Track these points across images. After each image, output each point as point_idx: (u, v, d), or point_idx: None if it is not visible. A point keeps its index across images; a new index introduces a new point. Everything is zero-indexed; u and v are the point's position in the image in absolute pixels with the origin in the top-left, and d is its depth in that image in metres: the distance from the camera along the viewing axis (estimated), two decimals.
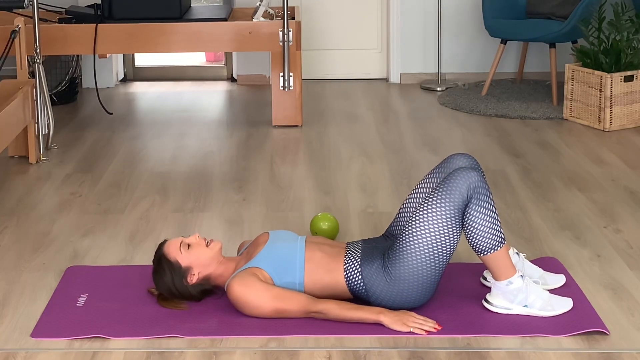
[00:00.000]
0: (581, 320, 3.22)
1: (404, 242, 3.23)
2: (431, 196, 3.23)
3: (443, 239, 3.20)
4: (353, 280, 3.28)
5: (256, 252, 3.37)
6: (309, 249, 3.34)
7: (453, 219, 3.20)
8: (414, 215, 3.24)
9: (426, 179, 3.51)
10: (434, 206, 3.21)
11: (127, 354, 3.07)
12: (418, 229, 3.21)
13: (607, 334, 3.16)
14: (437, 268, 3.23)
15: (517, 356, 3.04)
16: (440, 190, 3.22)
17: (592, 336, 3.15)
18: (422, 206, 3.24)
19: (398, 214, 3.51)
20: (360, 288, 3.27)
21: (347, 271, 3.28)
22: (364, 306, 3.23)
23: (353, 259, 3.30)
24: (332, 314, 3.21)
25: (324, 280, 3.29)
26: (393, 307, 3.25)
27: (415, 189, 3.52)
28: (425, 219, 3.21)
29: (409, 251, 3.21)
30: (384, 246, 3.38)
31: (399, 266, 3.22)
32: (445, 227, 3.20)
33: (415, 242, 3.21)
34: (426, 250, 3.20)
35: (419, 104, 6.53)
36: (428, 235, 3.20)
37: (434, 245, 3.20)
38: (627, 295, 3.47)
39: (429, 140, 5.60)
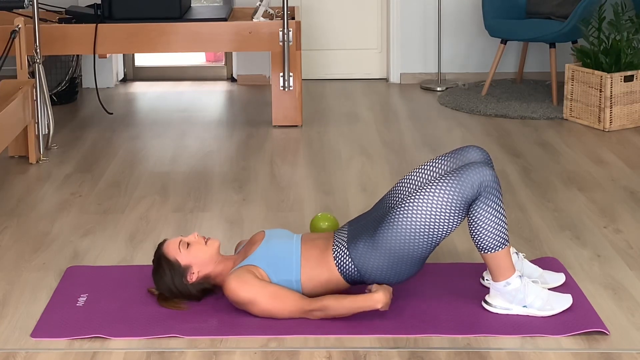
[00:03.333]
0: (581, 320, 3.22)
1: (400, 213, 3.23)
2: (441, 179, 3.23)
3: (440, 222, 3.21)
4: (345, 266, 3.28)
5: (252, 250, 3.38)
6: (304, 246, 3.35)
7: (456, 207, 3.21)
8: (417, 191, 3.24)
9: (434, 162, 3.47)
10: (442, 190, 3.21)
11: (127, 354, 3.07)
12: (419, 205, 3.22)
13: (607, 334, 3.16)
14: (426, 247, 3.25)
15: (517, 356, 3.04)
16: (452, 177, 3.22)
17: (592, 336, 3.15)
18: (428, 185, 3.24)
19: (395, 187, 3.48)
20: (353, 272, 3.28)
21: (337, 259, 3.29)
22: (358, 295, 3.23)
23: (340, 246, 3.31)
24: (331, 308, 3.21)
25: (320, 276, 3.30)
26: (385, 282, 3.28)
27: (419, 168, 3.48)
28: (429, 198, 3.21)
29: (404, 223, 3.22)
30: (370, 219, 3.37)
31: (390, 235, 3.23)
32: (446, 213, 3.21)
33: (413, 216, 3.21)
34: (420, 228, 3.21)
35: (419, 104, 6.53)
36: (427, 214, 3.21)
37: (430, 225, 3.21)
38: (627, 295, 3.47)
39: (429, 140, 5.60)
